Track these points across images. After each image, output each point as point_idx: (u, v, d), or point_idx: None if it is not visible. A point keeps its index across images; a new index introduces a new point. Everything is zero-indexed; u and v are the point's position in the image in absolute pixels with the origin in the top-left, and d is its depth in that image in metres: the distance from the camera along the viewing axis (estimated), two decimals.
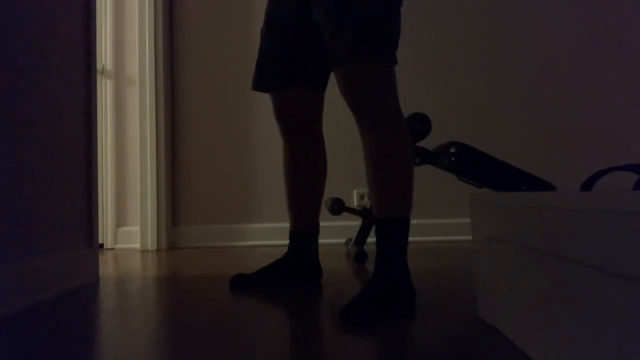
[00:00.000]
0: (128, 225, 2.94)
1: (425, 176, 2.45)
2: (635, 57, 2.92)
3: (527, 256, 0.81)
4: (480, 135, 2.76)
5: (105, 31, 2.96)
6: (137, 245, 2.83)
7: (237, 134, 2.92)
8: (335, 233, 2.61)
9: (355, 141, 1.40)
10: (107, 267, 2.09)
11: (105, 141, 2.95)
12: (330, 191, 2.49)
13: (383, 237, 1.26)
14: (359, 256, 2.01)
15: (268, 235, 2.82)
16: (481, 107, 2.92)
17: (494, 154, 1.84)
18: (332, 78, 1.38)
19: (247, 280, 1.52)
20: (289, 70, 1.45)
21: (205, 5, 2.98)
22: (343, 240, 2.58)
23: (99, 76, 2.85)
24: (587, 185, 1.01)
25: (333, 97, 1.51)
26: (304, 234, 1.56)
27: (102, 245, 2.94)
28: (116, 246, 2.95)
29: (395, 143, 1.30)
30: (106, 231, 2.95)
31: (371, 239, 1.76)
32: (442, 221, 2.83)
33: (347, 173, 2.61)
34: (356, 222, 2.33)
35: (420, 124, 1.85)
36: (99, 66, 2.77)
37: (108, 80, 2.97)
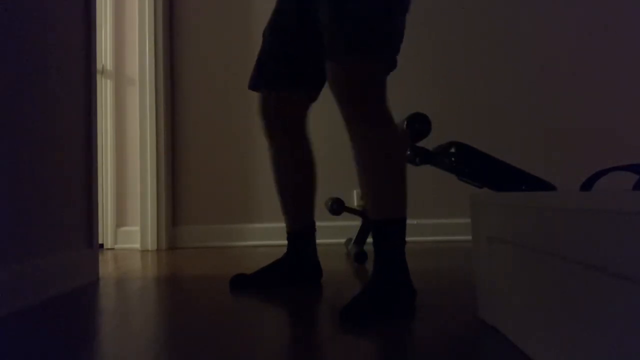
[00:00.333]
0: (128, 225, 2.94)
1: (425, 176, 2.45)
2: (635, 57, 2.92)
3: (527, 256, 0.81)
4: (480, 135, 2.76)
5: (105, 31, 2.96)
6: (137, 245, 2.83)
7: (237, 134, 2.92)
8: (335, 233, 2.61)
9: None
10: (107, 267, 2.09)
11: (105, 141, 2.95)
12: (330, 191, 2.49)
13: (381, 238, 1.26)
14: (359, 256, 2.01)
15: (268, 235, 2.82)
16: (481, 107, 2.92)
17: (494, 154, 1.83)
18: None
19: (247, 280, 1.52)
20: (289, 70, 1.45)
21: (205, 5, 2.98)
22: (343, 240, 2.58)
23: (99, 76, 2.84)
24: (587, 185, 1.00)
25: (333, 98, 1.51)
26: (302, 234, 1.56)
27: (102, 245, 2.94)
28: (116, 246, 2.94)
29: (391, 143, 1.29)
30: (106, 231, 2.94)
31: (371, 239, 1.76)
32: (442, 221, 2.83)
33: (347, 173, 2.59)
34: (356, 222, 2.33)
35: (420, 124, 1.85)
36: (99, 66, 2.76)
37: (108, 80, 2.97)
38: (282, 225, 1.60)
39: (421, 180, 2.70)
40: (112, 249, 2.92)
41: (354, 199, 2.79)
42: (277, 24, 1.48)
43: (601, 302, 0.58)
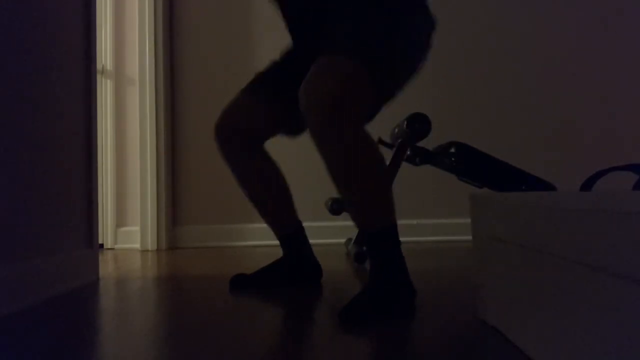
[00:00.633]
0: (128, 225, 2.94)
1: (425, 176, 2.45)
2: (635, 57, 2.92)
3: (527, 256, 0.81)
4: (480, 135, 2.76)
5: (105, 31, 2.96)
6: (137, 245, 2.83)
7: None
8: (335, 233, 2.61)
9: None
10: (107, 267, 2.09)
11: (105, 141, 2.95)
12: (330, 191, 2.48)
13: (376, 246, 1.23)
14: (359, 256, 2.01)
15: (268, 235, 2.79)
16: (481, 107, 2.92)
17: (494, 154, 1.84)
18: None
19: (247, 280, 1.52)
20: (284, 89, 1.42)
21: (205, 5, 2.98)
22: (343, 240, 2.58)
23: (99, 76, 2.84)
24: (587, 185, 1.01)
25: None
26: (291, 235, 1.56)
27: (102, 245, 2.94)
28: (116, 246, 2.94)
29: (361, 151, 1.17)
30: (106, 231, 2.94)
31: None
32: (442, 221, 2.83)
33: None
34: None
35: (420, 124, 1.85)
36: (99, 66, 2.76)
37: (108, 80, 2.97)
38: None
39: (421, 180, 2.70)
40: (112, 249, 2.92)
41: None
42: (286, 60, 1.50)
43: (601, 302, 0.58)
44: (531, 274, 0.79)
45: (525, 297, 0.82)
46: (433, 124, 1.88)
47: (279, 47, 1.56)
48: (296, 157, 2.29)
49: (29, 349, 0.93)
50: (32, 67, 1.39)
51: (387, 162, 1.79)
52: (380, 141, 2.03)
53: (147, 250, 2.76)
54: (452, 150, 1.76)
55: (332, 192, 2.37)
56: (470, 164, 1.73)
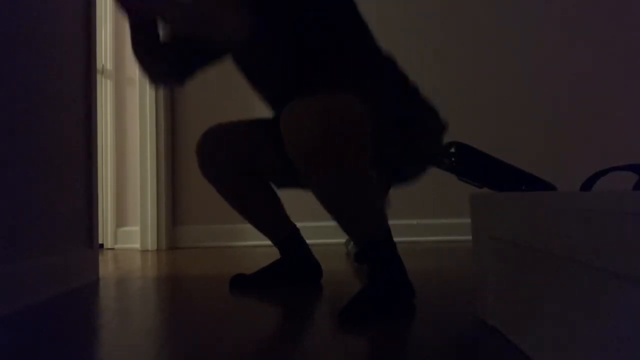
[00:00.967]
0: (128, 225, 2.94)
1: (425, 176, 2.45)
2: (635, 57, 2.92)
3: (527, 256, 0.81)
4: (480, 135, 2.76)
5: (105, 31, 2.96)
6: (137, 245, 2.83)
7: None
8: (335, 233, 2.60)
9: None
10: (107, 267, 2.09)
11: (105, 141, 2.95)
12: None
13: (373, 253, 1.22)
14: (359, 256, 2.01)
15: None
16: (481, 107, 2.92)
17: (494, 154, 1.83)
18: None
19: (247, 280, 1.52)
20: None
21: None
22: (343, 240, 2.58)
23: (99, 76, 2.84)
24: (587, 185, 1.00)
25: None
26: (287, 239, 1.55)
27: (102, 245, 2.94)
28: (116, 246, 2.94)
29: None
30: (106, 231, 2.95)
31: None
32: (442, 221, 2.83)
33: None
34: None
35: None
36: (99, 66, 2.76)
37: (108, 80, 2.97)
38: None
39: (421, 180, 2.70)
40: (112, 249, 2.92)
41: None
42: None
43: (601, 303, 0.58)
44: (531, 274, 0.79)
45: (525, 297, 0.82)
46: None
47: None
48: None
49: (29, 349, 0.93)
50: (32, 67, 1.39)
51: None
52: None
53: (147, 250, 2.76)
54: (452, 150, 1.76)
55: None
56: (470, 164, 1.73)
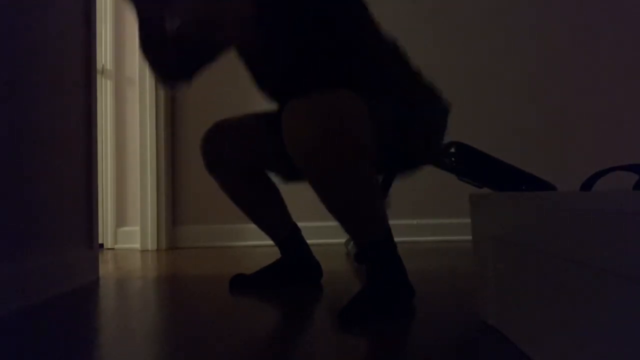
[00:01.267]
0: (128, 225, 2.94)
1: (425, 176, 2.45)
2: (635, 57, 2.92)
3: (527, 256, 0.81)
4: (480, 135, 2.76)
5: (105, 31, 2.96)
6: (137, 245, 2.83)
7: None
8: (335, 233, 2.61)
9: None
10: (107, 267, 2.09)
11: (105, 141, 2.95)
12: None
13: (373, 253, 1.21)
14: (359, 256, 2.01)
15: None
16: (481, 107, 2.92)
17: (494, 154, 1.83)
18: None
19: (247, 280, 1.51)
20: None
21: None
22: (343, 240, 2.58)
23: (99, 76, 2.84)
24: (587, 185, 1.00)
25: None
26: (288, 238, 1.55)
27: (102, 245, 2.94)
28: (116, 246, 2.94)
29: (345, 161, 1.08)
30: (106, 231, 2.95)
31: None
32: (442, 221, 2.83)
33: None
34: None
35: None
36: (99, 66, 2.76)
37: (108, 80, 2.97)
38: None
39: (421, 180, 2.70)
40: (112, 249, 2.92)
41: None
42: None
43: (601, 303, 0.58)
44: (531, 274, 0.79)
45: (525, 297, 0.82)
46: None
47: None
48: None
49: (29, 348, 0.93)
50: (32, 67, 1.39)
51: None
52: None
53: (147, 250, 2.76)
54: (452, 150, 1.75)
55: None
56: (470, 164, 1.73)
